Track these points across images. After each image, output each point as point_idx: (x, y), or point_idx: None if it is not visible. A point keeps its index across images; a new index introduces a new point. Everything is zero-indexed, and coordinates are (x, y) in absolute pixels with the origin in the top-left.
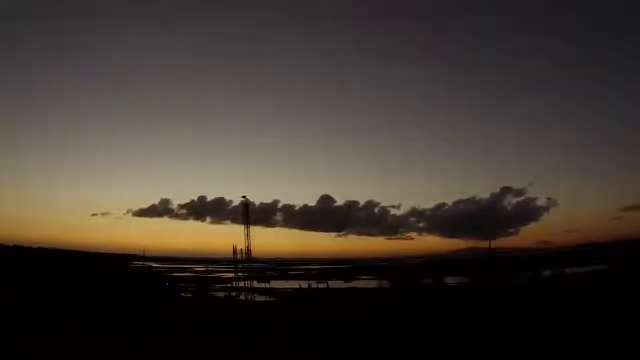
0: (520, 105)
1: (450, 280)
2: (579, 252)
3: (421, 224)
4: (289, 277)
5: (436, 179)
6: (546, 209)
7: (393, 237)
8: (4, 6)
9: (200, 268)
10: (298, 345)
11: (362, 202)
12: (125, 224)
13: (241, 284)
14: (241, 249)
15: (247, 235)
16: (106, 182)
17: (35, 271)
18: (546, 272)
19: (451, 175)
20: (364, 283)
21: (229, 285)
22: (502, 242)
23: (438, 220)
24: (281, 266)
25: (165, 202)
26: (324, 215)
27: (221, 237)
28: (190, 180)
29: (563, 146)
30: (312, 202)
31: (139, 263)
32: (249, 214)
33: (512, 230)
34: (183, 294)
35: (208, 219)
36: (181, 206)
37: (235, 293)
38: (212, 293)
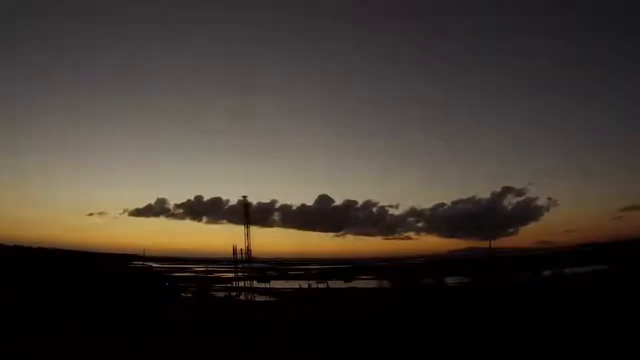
0: (520, 105)
1: (450, 280)
2: (579, 252)
3: (420, 224)
4: (289, 277)
5: (435, 178)
6: (546, 209)
7: (390, 237)
8: (4, 6)
9: (200, 268)
10: (298, 345)
11: (360, 201)
12: (122, 224)
13: (241, 284)
14: (241, 249)
15: (247, 235)
16: (102, 182)
17: (35, 271)
18: (546, 272)
19: (451, 175)
20: (364, 283)
21: (229, 285)
22: (502, 242)
23: (437, 220)
24: (281, 266)
25: (161, 202)
26: (322, 215)
27: (218, 237)
28: (187, 180)
29: (563, 146)
30: (310, 202)
31: (139, 263)
32: (249, 214)
33: (512, 230)
34: (183, 294)
35: (204, 219)
36: (178, 206)
37: (235, 293)
38: (212, 293)
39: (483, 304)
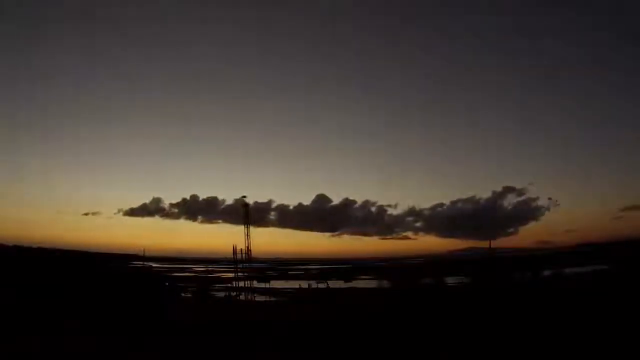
0: (520, 105)
1: (450, 280)
2: (579, 252)
3: (418, 224)
4: (288, 277)
5: (435, 178)
6: (546, 209)
7: (388, 237)
8: (5, 9)
9: (200, 268)
10: (298, 345)
11: (359, 201)
12: (118, 224)
13: (241, 284)
14: (241, 249)
15: (247, 235)
16: (97, 181)
17: (35, 271)
18: (546, 272)
19: (450, 175)
20: (363, 283)
21: (229, 285)
22: (502, 242)
23: (436, 220)
24: (280, 266)
25: (156, 201)
26: (319, 215)
27: (215, 237)
28: (182, 180)
29: (563, 146)
30: (307, 202)
31: (139, 263)
32: (249, 214)
33: (512, 230)
34: (183, 294)
35: (200, 218)
36: (173, 205)
37: (235, 293)
38: (212, 293)
39: (483, 304)
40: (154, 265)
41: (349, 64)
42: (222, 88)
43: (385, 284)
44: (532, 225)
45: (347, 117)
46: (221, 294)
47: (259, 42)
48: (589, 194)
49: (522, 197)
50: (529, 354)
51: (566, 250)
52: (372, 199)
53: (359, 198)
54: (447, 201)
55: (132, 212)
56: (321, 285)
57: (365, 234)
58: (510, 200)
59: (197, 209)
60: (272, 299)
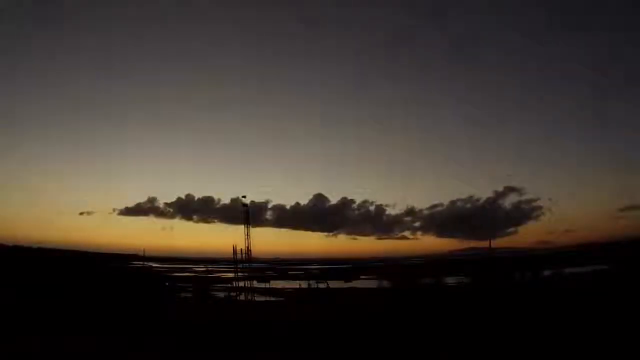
0: (520, 105)
1: (450, 280)
2: (579, 252)
3: (417, 224)
4: (288, 277)
5: (434, 178)
6: (546, 209)
7: (384, 237)
8: (5, 7)
9: (200, 268)
10: (298, 345)
11: (358, 201)
12: (113, 223)
13: (241, 284)
14: (241, 249)
15: (247, 235)
16: (93, 181)
17: (35, 271)
18: (546, 272)
19: (449, 175)
20: (363, 283)
21: (229, 285)
22: (502, 242)
23: (434, 220)
24: (280, 266)
25: (152, 201)
26: (317, 215)
27: (211, 237)
28: (177, 179)
29: (563, 146)
30: (304, 202)
31: (139, 263)
32: (249, 214)
33: (511, 230)
34: (183, 294)
35: (195, 218)
36: (168, 204)
37: (235, 293)
38: (212, 293)
39: (483, 304)
40: (154, 265)
41: (347, 63)
42: (218, 87)
43: (385, 284)
44: (532, 225)
45: (346, 117)
46: (221, 294)
47: (256, 42)
48: (589, 194)
49: (522, 197)
50: (529, 353)
51: (566, 250)
52: (371, 198)
53: (357, 198)
54: (445, 201)
55: (127, 212)
56: (321, 285)
57: (363, 234)
58: (510, 200)
59: (192, 208)
60: (272, 299)
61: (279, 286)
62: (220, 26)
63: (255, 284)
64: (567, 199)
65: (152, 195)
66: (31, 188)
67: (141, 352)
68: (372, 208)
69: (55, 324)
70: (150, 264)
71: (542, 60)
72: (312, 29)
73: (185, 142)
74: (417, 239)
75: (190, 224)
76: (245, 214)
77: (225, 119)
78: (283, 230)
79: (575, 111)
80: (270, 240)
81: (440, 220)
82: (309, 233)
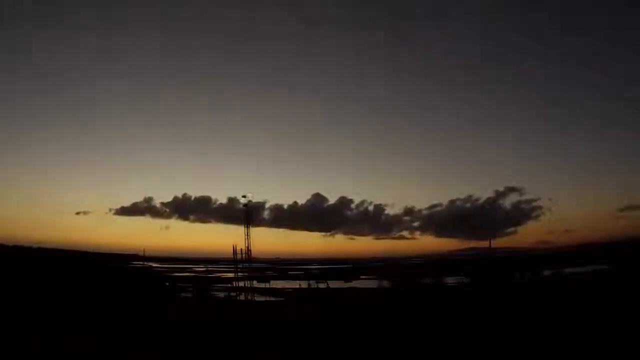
0: (520, 105)
1: (450, 280)
2: (579, 252)
3: (415, 224)
4: (288, 277)
5: (433, 178)
6: (546, 209)
7: (382, 237)
8: (5, 7)
9: (200, 268)
10: (298, 345)
11: (356, 200)
12: (110, 223)
13: (241, 284)
14: (241, 249)
15: (247, 235)
16: (88, 180)
17: (35, 271)
18: (546, 272)
19: (448, 175)
20: (363, 283)
21: (229, 285)
22: (502, 242)
23: (433, 219)
24: (279, 266)
25: (148, 200)
26: (315, 214)
27: (208, 236)
28: (174, 178)
29: (563, 146)
30: (302, 201)
31: (139, 263)
32: (250, 214)
33: (511, 230)
34: (183, 294)
35: (192, 217)
36: (164, 204)
37: (235, 293)
38: (212, 293)
39: (483, 304)
40: (154, 265)
41: (347, 62)
42: (214, 86)
43: (385, 284)
44: (532, 225)
45: (344, 116)
46: (221, 294)
47: (254, 42)
48: (589, 194)
49: (522, 197)
50: (529, 353)
51: (566, 250)
52: (369, 198)
53: (355, 197)
54: (445, 201)
55: (123, 211)
56: (321, 285)
57: (361, 234)
58: (509, 200)
59: (189, 208)
60: (272, 299)
61: (279, 286)
62: (217, 26)
63: (255, 284)
64: (567, 199)
65: (148, 194)
66: (31, 188)
67: (141, 352)
68: (370, 208)
69: (55, 324)
70: (150, 264)
71: (542, 60)
72: (312, 29)
73: (181, 142)
74: (415, 238)
75: (186, 223)
76: (246, 213)
77: (222, 119)
78: (280, 230)
79: (575, 111)
80: (268, 240)
81: (440, 220)
82: (307, 233)
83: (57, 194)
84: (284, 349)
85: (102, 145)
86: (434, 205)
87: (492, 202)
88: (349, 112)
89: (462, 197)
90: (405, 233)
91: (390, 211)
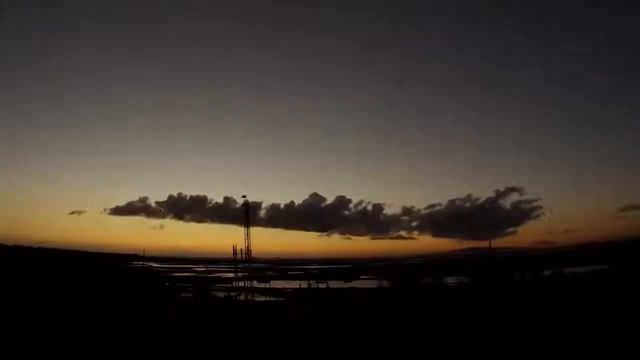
0: (519, 104)
1: (450, 280)
2: (579, 252)
3: (414, 223)
4: (288, 277)
5: (432, 178)
6: (546, 209)
7: (379, 237)
8: (5, 7)
9: (200, 268)
10: (298, 345)
11: (354, 200)
12: (105, 222)
13: (241, 284)
14: (241, 249)
15: (247, 235)
16: (83, 180)
17: (35, 271)
18: (546, 272)
19: (449, 175)
20: (363, 283)
21: (229, 285)
22: (502, 242)
23: (432, 219)
24: (279, 266)
25: (143, 200)
26: (313, 214)
27: (205, 236)
28: (169, 178)
29: (563, 146)
30: (299, 201)
31: (139, 263)
32: (250, 214)
33: (511, 230)
34: (183, 294)
35: (187, 217)
36: (159, 203)
37: (235, 293)
38: (212, 293)
39: (483, 304)
40: (154, 265)
41: (344, 61)
42: (211, 85)
43: (385, 284)
44: (532, 225)
45: (343, 115)
46: (221, 294)
47: (252, 41)
48: (589, 194)
49: (522, 197)
50: (529, 353)
51: (566, 250)
52: (368, 198)
53: (354, 197)
54: (444, 201)
55: (118, 211)
56: (321, 285)
57: (358, 234)
58: (510, 200)
59: (184, 207)
60: (272, 299)
61: (279, 286)
62: (215, 25)
63: (255, 284)
64: (567, 199)
65: (143, 194)
66: (30, 188)
67: (141, 352)
68: (369, 207)
69: (55, 324)
70: (150, 264)
71: (542, 60)
72: (312, 29)
73: (177, 141)
74: (413, 238)
75: (181, 223)
76: (246, 214)
77: (218, 118)
78: (277, 230)
79: (575, 111)
80: (264, 240)
81: (439, 220)
82: (304, 233)
83: (59, 195)
84: (284, 349)
85: (97, 144)
86: (433, 205)
87: (492, 202)
88: (348, 112)
89: (461, 196)
90: (403, 233)
91: (388, 211)
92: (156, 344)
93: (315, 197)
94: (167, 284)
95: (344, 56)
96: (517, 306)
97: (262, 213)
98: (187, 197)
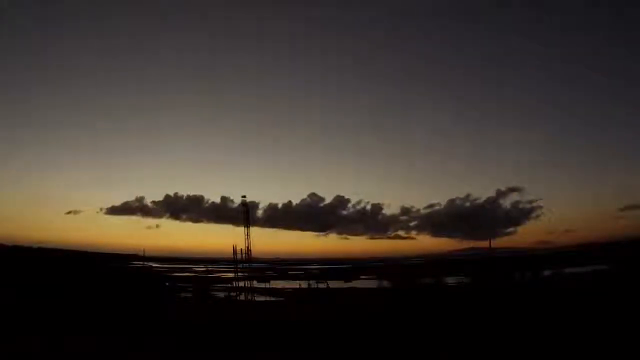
0: (520, 106)
1: (450, 280)
2: (579, 252)
3: (413, 223)
4: (288, 277)
5: (431, 177)
6: (546, 209)
7: (377, 237)
8: (5, 7)
9: (200, 268)
10: (298, 345)
11: (353, 200)
12: (101, 222)
13: (241, 284)
14: (241, 249)
15: (247, 235)
16: (79, 179)
17: (35, 271)
18: (546, 272)
19: (449, 175)
20: (363, 283)
21: (229, 285)
22: (502, 242)
23: (431, 219)
24: (279, 266)
25: (139, 200)
26: (311, 214)
27: (203, 236)
28: (165, 178)
29: (563, 146)
30: (297, 201)
31: (139, 263)
32: (249, 214)
33: (511, 230)
34: (183, 294)
35: (183, 217)
36: (155, 203)
37: (235, 293)
38: (212, 293)
39: (483, 304)
40: (154, 265)
41: (342, 61)
42: (207, 84)
43: (385, 284)
44: (532, 225)
45: (342, 115)
46: (221, 294)
47: (250, 41)
48: (589, 194)
49: (522, 197)
50: (529, 353)
51: (566, 250)
52: (366, 197)
53: (352, 196)
54: (443, 200)
55: (114, 211)
56: (321, 285)
57: (356, 234)
58: (509, 200)
59: (180, 207)
60: (272, 299)
61: (279, 286)
62: (213, 25)
63: (255, 284)
64: (567, 199)
65: (139, 193)
66: (29, 188)
67: (141, 352)
68: (368, 207)
69: (55, 324)
70: (150, 264)
71: (542, 60)
72: (312, 28)
73: (173, 141)
74: (412, 238)
75: (177, 223)
76: (245, 213)
77: (215, 117)
78: (275, 230)
79: (575, 111)
80: (263, 240)
81: (438, 220)
82: (301, 233)
83: (59, 195)
84: (284, 349)
85: (93, 144)
86: (433, 205)
87: (492, 202)
88: (347, 111)
89: (461, 196)
90: (401, 233)
91: (387, 211)
92: (156, 344)
93: (314, 196)
94: (167, 284)
95: (344, 56)
96: (517, 306)
97: (260, 213)
98: (184, 197)
